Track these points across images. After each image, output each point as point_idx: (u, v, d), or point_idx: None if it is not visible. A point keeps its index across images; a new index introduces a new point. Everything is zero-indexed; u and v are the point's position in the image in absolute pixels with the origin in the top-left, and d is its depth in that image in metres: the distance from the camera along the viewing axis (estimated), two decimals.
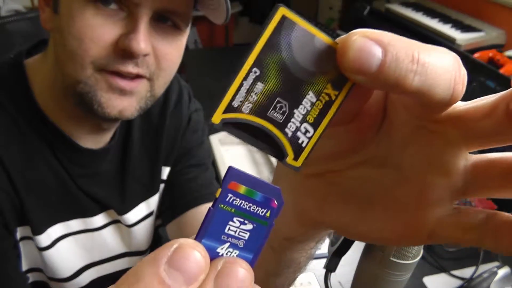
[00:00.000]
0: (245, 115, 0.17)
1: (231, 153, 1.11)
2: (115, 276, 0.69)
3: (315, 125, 0.18)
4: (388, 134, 0.21)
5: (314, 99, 0.18)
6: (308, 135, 0.18)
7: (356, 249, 0.59)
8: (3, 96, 0.56)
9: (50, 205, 0.59)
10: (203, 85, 1.59)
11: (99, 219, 0.65)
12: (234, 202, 0.17)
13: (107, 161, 0.64)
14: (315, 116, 0.18)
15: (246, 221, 0.17)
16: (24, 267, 0.60)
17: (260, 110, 0.17)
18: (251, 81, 0.17)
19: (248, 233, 0.17)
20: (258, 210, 0.17)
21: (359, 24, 1.79)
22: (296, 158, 0.18)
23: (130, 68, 0.50)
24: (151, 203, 0.71)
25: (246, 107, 0.17)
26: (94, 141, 0.62)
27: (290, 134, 0.18)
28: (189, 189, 0.71)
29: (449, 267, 0.81)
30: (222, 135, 1.13)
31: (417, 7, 1.59)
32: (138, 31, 0.48)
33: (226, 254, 0.17)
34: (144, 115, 0.67)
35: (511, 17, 1.37)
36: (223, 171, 0.99)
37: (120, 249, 0.69)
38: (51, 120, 0.57)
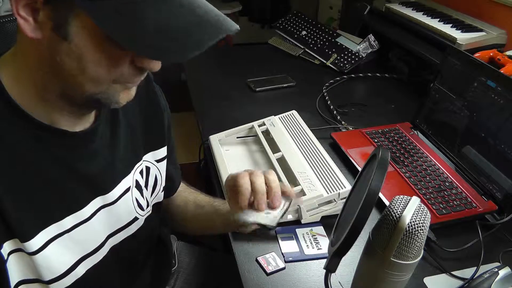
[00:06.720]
0: None
1: (231, 153, 1.10)
2: (103, 264, 0.71)
3: None
4: None
5: None
6: None
7: (356, 249, 0.59)
8: None
9: (40, 208, 0.58)
10: (202, 85, 1.59)
11: (89, 209, 0.66)
12: None
13: (96, 141, 0.66)
14: None
15: None
16: (17, 279, 0.59)
17: None
18: None
19: None
20: None
21: (359, 24, 1.79)
22: None
23: (142, 77, 0.59)
24: (129, 179, 0.75)
25: None
26: (80, 124, 0.64)
27: None
28: (173, 176, 0.91)
29: (449, 267, 0.81)
30: (222, 135, 1.12)
31: (418, 7, 1.58)
32: None
33: None
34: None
35: (511, 16, 1.37)
36: (223, 171, 0.99)
37: (105, 233, 0.71)
38: (28, 113, 0.56)
